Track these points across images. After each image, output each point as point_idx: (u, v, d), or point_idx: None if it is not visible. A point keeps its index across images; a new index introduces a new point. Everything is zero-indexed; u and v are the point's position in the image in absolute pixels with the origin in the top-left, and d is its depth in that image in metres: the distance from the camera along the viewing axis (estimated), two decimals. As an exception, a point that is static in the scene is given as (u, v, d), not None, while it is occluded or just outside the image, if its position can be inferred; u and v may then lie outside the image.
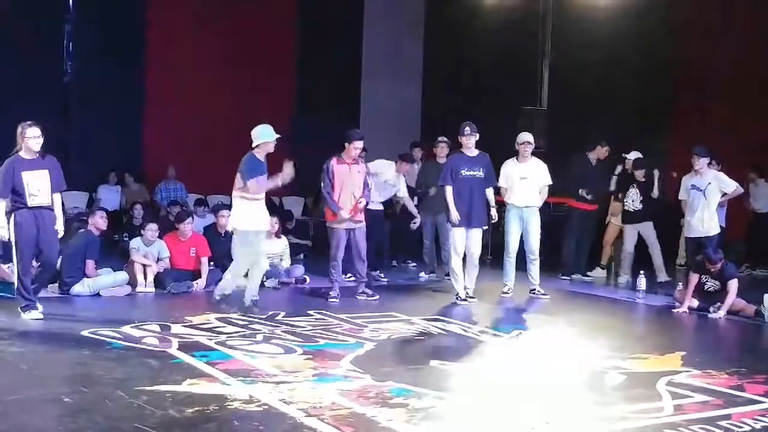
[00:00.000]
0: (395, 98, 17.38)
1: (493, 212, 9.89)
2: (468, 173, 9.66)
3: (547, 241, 11.22)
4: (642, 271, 10.71)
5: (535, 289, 10.40)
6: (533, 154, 10.56)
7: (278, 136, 8.70)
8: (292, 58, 17.43)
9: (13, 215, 7.81)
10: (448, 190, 9.66)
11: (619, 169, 12.32)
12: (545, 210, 11.11)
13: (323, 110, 16.29)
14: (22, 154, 7.87)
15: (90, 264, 9.43)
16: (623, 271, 11.96)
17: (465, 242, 9.71)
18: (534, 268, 10.40)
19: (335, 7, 17.17)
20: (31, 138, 7.81)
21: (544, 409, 5.47)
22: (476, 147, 9.78)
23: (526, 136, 10.41)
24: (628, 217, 11.75)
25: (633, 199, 11.66)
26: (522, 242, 10.34)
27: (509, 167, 10.42)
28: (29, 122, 7.88)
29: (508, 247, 10.34)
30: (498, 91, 15.49)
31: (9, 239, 7.88)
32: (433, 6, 17.89)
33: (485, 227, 9.99)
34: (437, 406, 5.38)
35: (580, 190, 11.94)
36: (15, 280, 8.02)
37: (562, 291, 11.13)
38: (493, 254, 13.22)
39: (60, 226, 8.01)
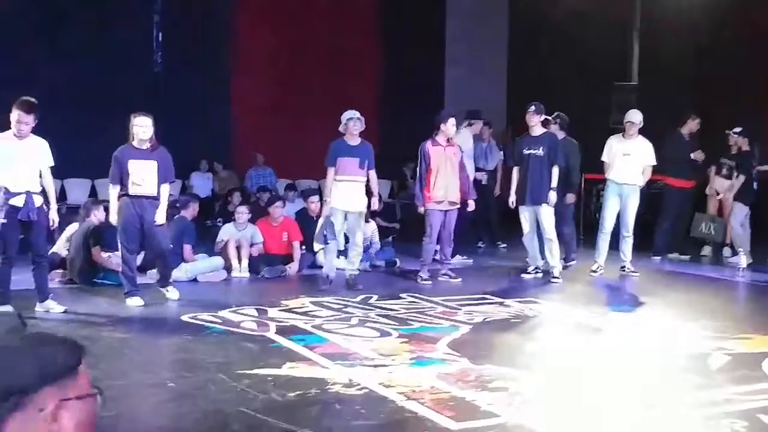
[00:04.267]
0: (479, 78, 17.22)
1: (552, 195, 9.73)
2: (528, 151, 9.76)
3: (640, 220, 11.00)
4: (741, 249, 10.42)
5: (624, 266, 10.27)
6: (621, 130, 10.43)
7: (354, 115, 8.98)
8: (378, 44, 17.42)
9: (117, 204, 8.01)
10: (514, 171, 9.95)
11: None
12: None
13: (408, 96, 16.26)
14: (132, 143, 8.07)
15: (187, 249, 9.65)
16: (731, 248, 11.54)
17: (532, 219, 9.82)
18: (627, 244, 10.26)
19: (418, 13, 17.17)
20: (138, 126, 8.00)
21: (645, 391, 5.38)
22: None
23: (632, 116, 10.22)
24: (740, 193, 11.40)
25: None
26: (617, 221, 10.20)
27: (613, 143, 10.27)
28: (139, 112, 8.08)
29: (603, 222, 10.21)
30: (589, 65, 15.22)
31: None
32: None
33: (549, 204, 9.79)
34: (537, 390, 5.34)
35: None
36: (119, 268, 8.22)
37: (657, 270, 10.92)
38: (584, 234, 13.04)
39: (160, 216, 8.12)
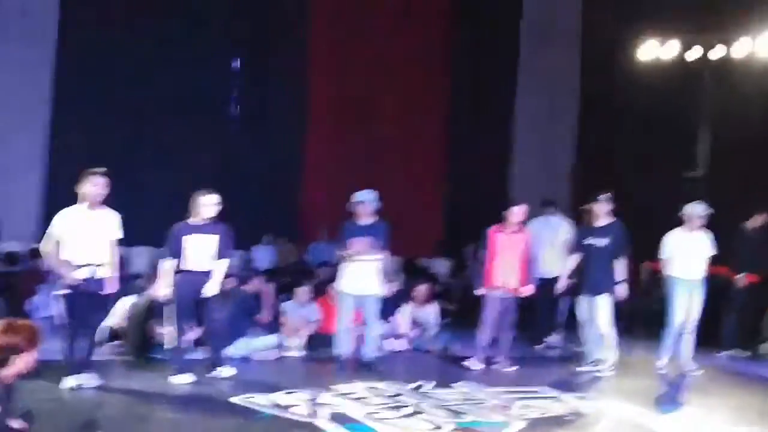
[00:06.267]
0: (547, 161, 17.19)
1: (622, 288, 9.69)
2: (591, 241, 9.71)
3: (703, 314, 10.76)
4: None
5: (685, 365, 10.00)
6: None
7: (362, 198, 9.07)
8: (446, 131, 17.57)
9: (172, 279, 8.09)
10: (571, 258, 9.91)
11: None
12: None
13: (473, 180, 16.34)
14: (190, 219, 8.20)
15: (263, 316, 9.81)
16: None
17: (588, 311, 9.71)
18: (688, 342, 10.02)
19: (489, 67, 17.25)
20: (205, 206, 8.16)
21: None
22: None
23: (700, 210, 10.07)
24: None
25: None
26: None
27: (674, 238, 10.10)
28: (206, 189, 8.24)
29: (673, 321, 9.94)
30: (656, 156, 15.10)
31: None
32: (587, 71, 17.67)
33: (610, 295, 9.69)
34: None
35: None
36: (170, 344, 8.27)
37: (718, 367, 10.63)
38: (644, 325, 12.79)
39: (211, 288, 8.19)
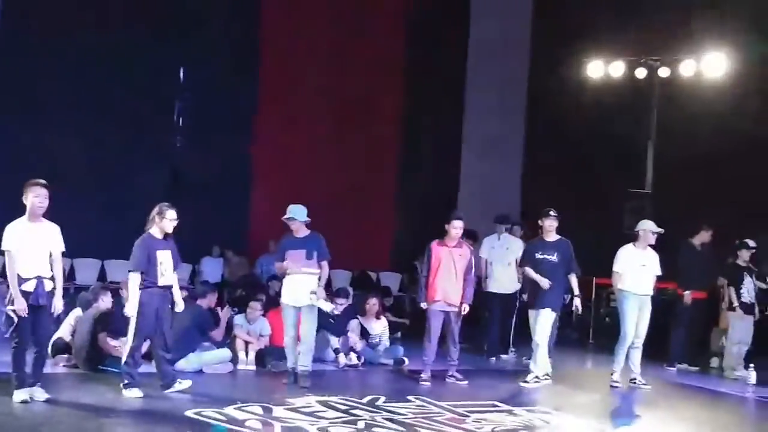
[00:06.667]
0: (494, 177, 17.33)
1: (576, 302, 9.98)
2: (541, 257, 9.83)
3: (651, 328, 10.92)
4: (752, 364, 10.31)
5: (635, 379, 10.14)
6: (633, 237, 10.40)
7: (291, 215, 9.07)
8: (396, 144, 17.62)
9: (140, 294, 7.97)
10: (527, 271, 10.02)
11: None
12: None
13: (423, 192, 16.38)
14: (153, 232, 8.12)
15: (217, 332, 9.81)
16: (735, 363, 11.45)
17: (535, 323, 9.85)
18: (636, 355, 10.15)
19: (439, 87, 17.38)
20: (170, 220, 8.12)
21: None
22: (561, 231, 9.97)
23: (651, 225, 10.21)
24: (745, 308, 11.39)
25: (748, 289, 11.33)
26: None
27: (627, 253, 10.21)
28: (167, 203, 8.19)
29: (626, 336, 10.03)
30: (602, 173, 15.33)
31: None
32: (535, 88, 17.90)
33: (555, 311, 9.90)
34: None
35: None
36: (124, 355, 8.13)
37: (668, 382, 10.80)
38: (594, 338, 12.98)
39: (180, 303, 8.26)
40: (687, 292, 11.62)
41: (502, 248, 11.77)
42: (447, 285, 9.53)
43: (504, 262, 11.65)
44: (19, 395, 7.21)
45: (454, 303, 9.58)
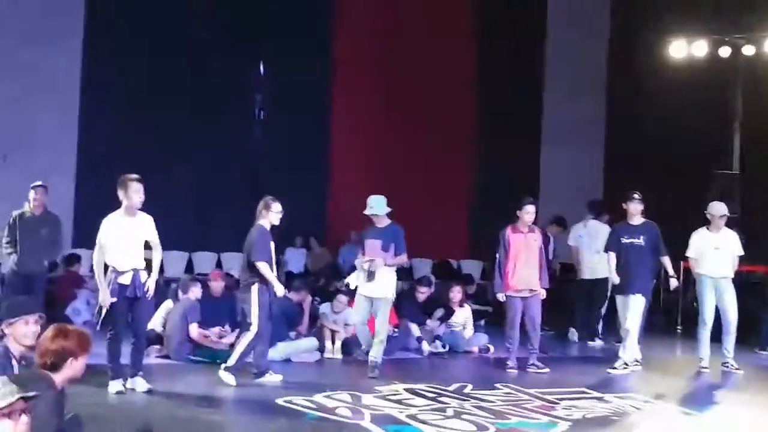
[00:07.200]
0: (576, 164, 17.12)
1: (673, 282, 10.02)
2: (627, 241, 9.70)
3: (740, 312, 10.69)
4: None
5: (728, 363, 9.96)
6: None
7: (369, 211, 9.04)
8: (473, 123, 17.52)
9: (258, 287, 8.15)
10: (611, 257, 9.83)
11: None
12: (737, 278, 10.62)
13: (503, 179, 16.26)
14: (264, 224, 8.37)
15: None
16: None
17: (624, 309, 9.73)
18: (730, 340, 9.98)
19: (515, 74, 17.23)
20: (276, 213, 8.40)
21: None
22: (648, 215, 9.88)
23: (723, 209, 10.03)
24: None
25: None
26: (717, 313, 9.95)
27: (699, 237, 10.07)
28: (273, 197, 8.47)
29: (704, 318, 9.93)
30: (687, 153, 15.03)
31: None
32: (615, 67, 17.61)
33: (645, 296, 9.78)
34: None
35: None
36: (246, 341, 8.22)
37: (761, 367, 10.56)
38: (683, 324, 12.76)
39: (280, 289, 8.38)
40: None
41: (588, 235, 11.76)
42: (526, 271, 9.47)
43: (592, 249, 11.56)
44: (114, 386, 7.40)
45: (535, 288, 9.53)
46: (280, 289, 8.27)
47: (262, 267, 8.13)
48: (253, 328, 8.14)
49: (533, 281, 9.50)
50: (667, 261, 9.83)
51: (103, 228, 7.55)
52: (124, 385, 7.43)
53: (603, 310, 11.87)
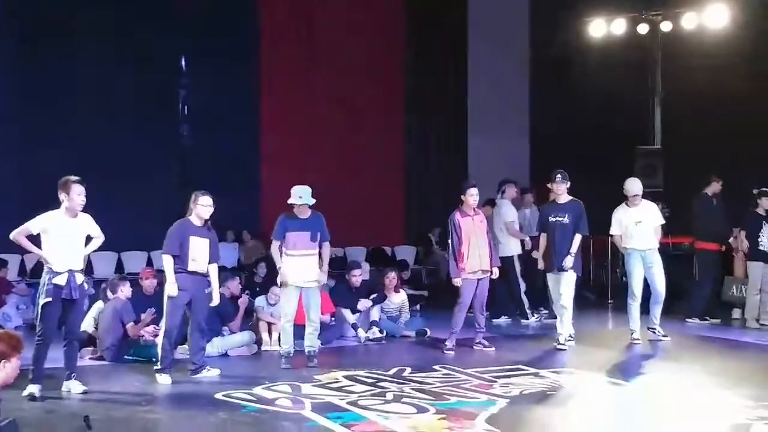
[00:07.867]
0: (503, 149, 17.30)
1: (569, 260, 9.73)
2: (553, 219, 9.87)
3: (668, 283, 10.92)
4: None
5: (654, 328, 10.19)
6: (648, 194, 10.50)
7: (296, 201, 8.86)
8: (401, 117, 17.61)
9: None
10: (541, 237, 10.08)
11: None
12: (664, 250, 10.86)
13: (432, 163, 16.36)
14: (191, 219, 8.24)
15: (234, 323, 9.75)
16: (757, 312, 11.37)
17: (556, 286, 9.90)
18: (657, 308, 10.24)
19: (441, 61, 17.36)
20: (203, 206, 8.24)
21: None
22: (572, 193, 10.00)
23: (637, 188, 10.23)
24: (764, 256, 11.37)
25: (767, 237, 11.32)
26: (646, 285, 10.17)
27: (621, 213, 10.28)
28: (203, 191, 8.32)
29: (633, 291, 10.15)
30: (611, 131, 15.29)
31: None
32: (538, 49, 17.84)
33: (576, 272, 9.90)
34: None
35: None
36: (160, 338, 8.22)
37: (688, 335, 10.82)
38: (614, 299, 13.01)
39: (216, 297, 8.40)
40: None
41: (497, 214, 12.05)
42: (477, 252, 9.56)
43: (496, 227, 11.74)
44: (31, 388, 7.21)
45: (486, 269, 9.65)
46: (170, 288, 8.07)
47: (165, 260, 8.11)
48: (162, 324, 8.16)
49: (485, 261, 9.61)
50: (576, 238, 9.79)
51: (41, 220, 7.40)
52: (41, 391, 7.25)
53: (522, 287, 12.03)
